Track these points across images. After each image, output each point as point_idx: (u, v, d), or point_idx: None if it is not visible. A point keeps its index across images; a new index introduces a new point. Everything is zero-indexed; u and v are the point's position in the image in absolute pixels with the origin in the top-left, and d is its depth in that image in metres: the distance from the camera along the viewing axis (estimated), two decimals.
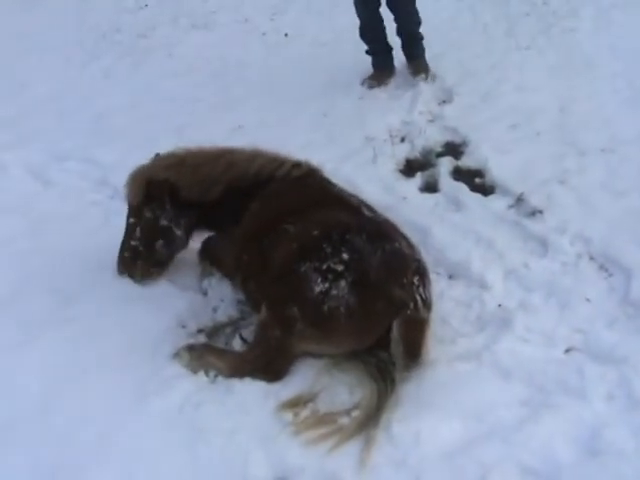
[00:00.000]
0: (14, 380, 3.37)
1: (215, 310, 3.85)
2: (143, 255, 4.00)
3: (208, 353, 3.45)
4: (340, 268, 3.26)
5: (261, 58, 7.36)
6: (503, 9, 7.96)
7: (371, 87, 6.39)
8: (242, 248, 3.74)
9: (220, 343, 3.62)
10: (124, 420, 3.14)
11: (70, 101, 6.74)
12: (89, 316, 3.79)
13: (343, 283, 3.23)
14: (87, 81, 7.30)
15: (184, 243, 4.07)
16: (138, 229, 3.98)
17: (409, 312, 3.26)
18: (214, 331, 3.70)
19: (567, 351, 3.39)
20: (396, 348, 3.27)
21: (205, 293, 3.99)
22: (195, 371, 3.38)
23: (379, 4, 6.15)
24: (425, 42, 6.78)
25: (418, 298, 3.30)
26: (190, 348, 3.47)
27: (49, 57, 7.96)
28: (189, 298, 3.93)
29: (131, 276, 4.05)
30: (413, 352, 3.29)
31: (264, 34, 8.06)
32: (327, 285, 3.23)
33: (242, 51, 7.59)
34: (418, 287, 3.33)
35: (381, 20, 6.25)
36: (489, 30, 7.50)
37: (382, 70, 6.49)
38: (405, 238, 3.59)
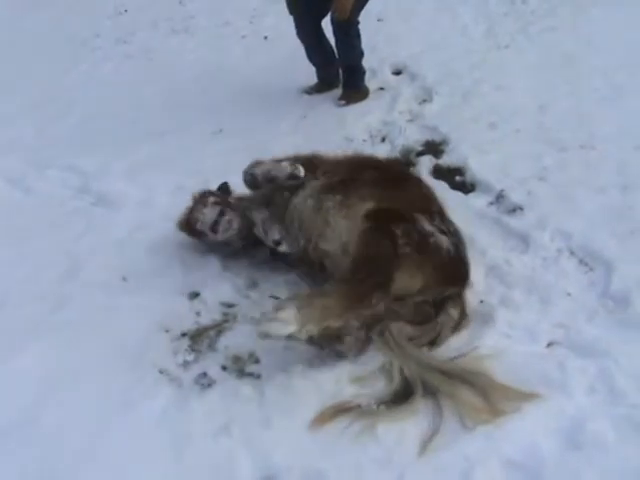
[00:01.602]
0: (1, 389, 3.34)
1: (198, 314, 3.83)
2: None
3: (314, 296, 3.24)
4: (445, 229, 3.58)
5: (241, 61, 7.40)
6: (482, 9, 8.05)
7: (308, 94, 6.52)
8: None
9: (204, 346, 3.61)
10: (110, 426, 3.13)
11: (50, 109, 6.74)
12: (74, 323, 3.77)
13: (445, 238, 3.52)
14: (68, 87, 7.30)
15: None
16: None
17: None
18: (197, 334, 3.69)
19: (549, 345, 3.39)
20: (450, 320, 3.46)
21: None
22: (305, 322, 3.07)
23: (316, 24, 6.17)
24: (405, 42, 6.85)
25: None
26: (294, 297, 3.38)
27: (28, 65, 7.95)
28: (172, 303, 3.91)
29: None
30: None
31: (244, 37, 8.10)
32: (435, 230, 3.50)
33: (222, 54, 7.62)
34: None
35: (317, 36, 6.28)
36: (469, 30, 7.58)
37: (323, 83, 6.56)
38: None
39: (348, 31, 5.98)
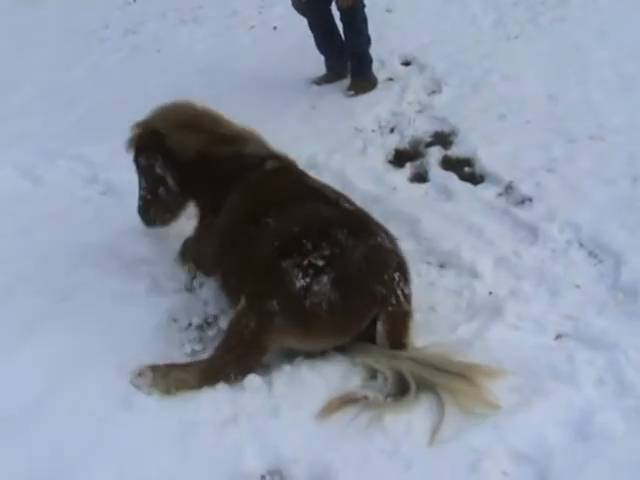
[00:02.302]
0: (8, 380, 3.34)
1: (206, 304, 3.84)
2: (152, 202, 4.09)
3: (173, 369, 3.35)
4: (321, 263, 3.26)
5: (249, 52, 7.39)
6: None
7: (317, 84, 6.47)
8: (222, 244, 3.72)
9: (212, 335, 3.62)
10: (116, 416, 3.13)
11: (59, 99, 6.75)
12: (81, 314, 3.77)
13: (325, 279, 3.23)
14: (76, 78, 7.30)
15: (181, 196, 4.09)
16: (142, 179, 4.09)
17: (391, 307, 3.30)
18: (205, 324, 3.71)
19: (557, 337, 3.40)
20: (382, 342, 3.31)
21: (192, 290, 4.00)
22: (161, 390, 3.24)
23: (323, 11, 6.13)
24: (414, 33, 6.83)
25: (399, 293, 3.33)
26: (153, 367, 3.34)
27: (38, 56, 7.97)
28: (180, 292, 3.94)
29: (149, 224, 4.17)
30: (398, 344, 3.31)
31: (252, 27, 8.09)
32: (308, 280, 3.22)
33: (230, 45, 7.61)
34: (399, 282, 3.36)
35: (328, 23, 6.24)
36: (478, 20, 7.53)
37: (331, 73, 6.52)
38: (385, 231, 3.59)
39: (354, 16, 5.98)
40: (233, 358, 3.28)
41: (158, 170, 3.98)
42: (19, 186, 5.20)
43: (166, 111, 4.03)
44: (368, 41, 6.21)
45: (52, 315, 3.77)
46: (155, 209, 4.10)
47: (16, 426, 3.10)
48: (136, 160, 4.08)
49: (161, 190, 4.02)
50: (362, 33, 6.14)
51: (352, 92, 6.21)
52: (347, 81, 6.33)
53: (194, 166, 3.87)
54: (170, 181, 3.99)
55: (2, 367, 3.41)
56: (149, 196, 4.08)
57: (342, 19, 6.05)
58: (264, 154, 3.93)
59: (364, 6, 6.03)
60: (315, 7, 6.10)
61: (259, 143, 3.99)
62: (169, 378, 3.27)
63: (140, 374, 3.30)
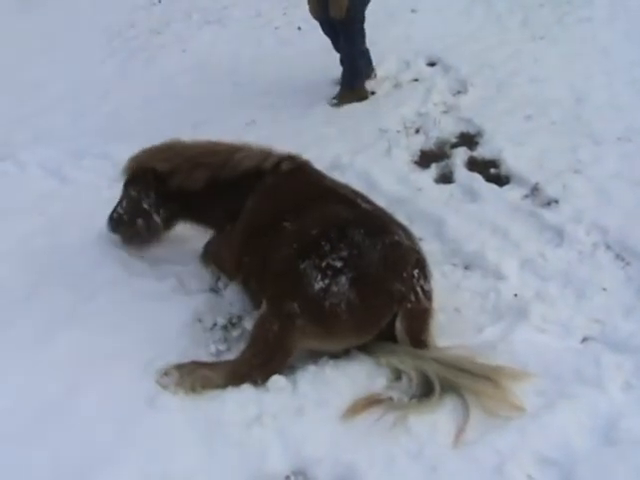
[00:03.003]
0: (35, 377, 3.37)
1: (231, 304, 3.85)
2: (126, 224, 4.20)
3: (199, 367, 3.37)
4: (339, 264, 3.28)
5: (274, 52, 7.40)
6: None
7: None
8: (241, 248, 3.75)
9: (237, 336, 3.64)
10: (142, 415, 3.14)
11: (85, 99, 6.80)
12: (107, 312, 3.80)
13: (343, 279, 3.25)
14: (102, 78, 7.35)
15: (162, 231, 4.21)
16: (125, 201, 4.20)
17: (410, 305, 3.30)
18: (230, 324, 3.72)
19: (584, 341, 3.37)
20: (402, 339, 3.31)
21: (217, 291, 4.01)
22: (186, 388, 3.25)
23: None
24: (439, 33, 6.81)
25: (419, 290, 3.33)
26: (179, 366, 3.36)
27: (64, 56, 8.04)
28: (204, 293, 3.95)
29: (113, 231, 4.29)
30: (417, 342, 3.31)
31: (277, 28, 8.10)
32: (327, 282, 3.24)
33: (255, 46, 7.64)
34: (418, 279, 3.36)
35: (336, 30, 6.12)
36: (503, 21, 7.49)
37: None
38: (404, 229, 3.59)
39: (348, 26, 5.91)
40: (259, 362, 3.29)
41: (145, 205, 4.10)
42: (45, 185, 5.24)
43: (162, 151, 4.14)
44: (362, 54, 6.17)
45: (78, 313, 3.79)
46: (125, 229, 4.23)
47: (42, 423, 3.12)
48: (126, 186, 4.22)
49: (140, 221, 4.13)
50: (355, 44, 6.07)
51: (335, 101, 6.18)
52: (373, 82, 6.32)
53: (206, 193, 3.95)
54: (156, 217, 4.12)
55: (28, 364, 3.44)
56: (125, 217, 4.19)
57: (338, 26, 5.97)
58: (277, 155, 3.95)
59: (362, 20, 5.98)
60: (323, 14, 6.05)
61: (262, 148, 4.01)
62: (195, 375, 3.30)
63: (166, 373, 3.32)
